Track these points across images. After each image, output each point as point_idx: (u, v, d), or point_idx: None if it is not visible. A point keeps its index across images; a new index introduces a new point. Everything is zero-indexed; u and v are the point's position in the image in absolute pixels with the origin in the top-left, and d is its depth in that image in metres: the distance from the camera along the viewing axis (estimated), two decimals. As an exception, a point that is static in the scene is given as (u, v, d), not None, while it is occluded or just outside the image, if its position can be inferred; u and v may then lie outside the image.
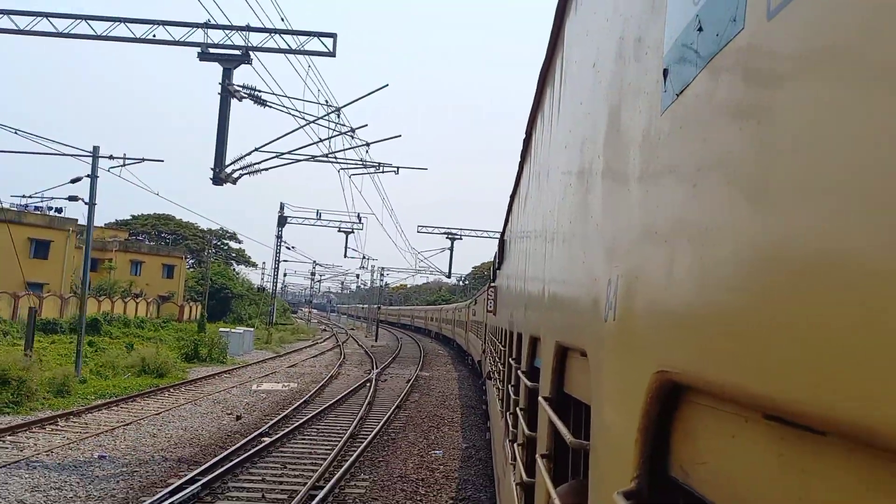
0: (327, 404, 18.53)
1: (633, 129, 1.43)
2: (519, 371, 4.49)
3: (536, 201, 4.20)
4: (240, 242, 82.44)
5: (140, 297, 52.70)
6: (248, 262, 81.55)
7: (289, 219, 49.30)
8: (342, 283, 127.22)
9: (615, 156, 1.63)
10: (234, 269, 73.95)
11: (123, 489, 10.43)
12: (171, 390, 20.80)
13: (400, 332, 76.69)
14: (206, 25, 14.58)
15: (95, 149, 22.34)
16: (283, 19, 15.36)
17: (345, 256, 55.15)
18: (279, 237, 53.36)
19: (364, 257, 61.46)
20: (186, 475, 10.86)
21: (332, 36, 14.96)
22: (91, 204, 22.95)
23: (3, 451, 12.37)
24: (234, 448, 12.90)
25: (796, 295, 0.66)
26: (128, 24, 14.64)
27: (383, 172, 24.45)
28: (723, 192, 0.89)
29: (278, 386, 23.48)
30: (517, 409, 4.33)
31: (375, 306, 78.86)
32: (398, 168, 25.32)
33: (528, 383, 3.60)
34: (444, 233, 48.13)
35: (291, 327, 68.14)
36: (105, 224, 64.86)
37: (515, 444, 4.24)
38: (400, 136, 22.09)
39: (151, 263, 59.66)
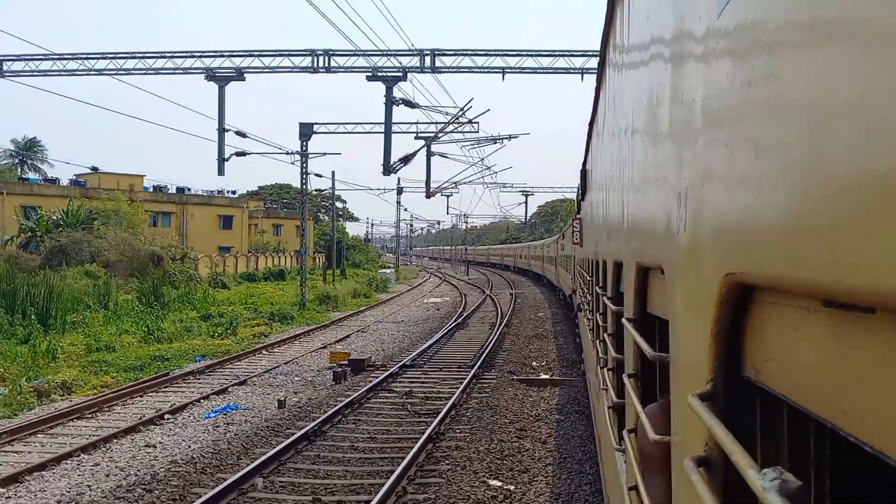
0: (475, 305, 33.42)
1: (696, 36, 1.43)
2: (605, 298, 4.57)
3: (613, 126, 4.17)
4: (344, 202, 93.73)
5: (284, 252, 64.99)
6: (351, 218, 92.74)
7: (404, 189, 58.44)
8: (411, 227, 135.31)
9: (681, 66, 1.63)
10: (342, 224, 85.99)
11: (420, 331, 24.94)
12: (383, 304, 36.68)
13: (486, 271, 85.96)
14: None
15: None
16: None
17: (447, 212, 64.66)
18: (398, 203, 63.50)
19: (463, 214, 71.38)
20: (448, 323, 24.08)
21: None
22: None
23: (364, 320, 27.10)
24: (451, 322, 24.91)
25: (850, 195, 0.72)
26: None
27: (501, 146, 31.86)
28: (781, 102, 0.92)
29: (438, 300, 38.71)
30: (605, 334, 4.48)
31: (462, 247, 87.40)
32: (509, 136, 32.42)
33: (614, 307, 3.80)
34: (520, 191, 55.90)
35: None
36: (238, 194, 76.97)
37: (605, 370, 4.41)
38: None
39: (288, 225, 76.79)
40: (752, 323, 1.14)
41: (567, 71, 20.00)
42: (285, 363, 18.85)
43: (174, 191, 65.06)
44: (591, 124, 7.63)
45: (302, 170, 34.09)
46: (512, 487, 8.46)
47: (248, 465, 9.16)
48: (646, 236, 2.39)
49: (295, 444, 10.17)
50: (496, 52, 20.41)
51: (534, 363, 17.85)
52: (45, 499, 8.44)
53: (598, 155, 6.29)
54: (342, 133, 32.20)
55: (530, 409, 12.72)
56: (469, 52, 20.62)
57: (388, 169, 24.85)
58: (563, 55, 20.03)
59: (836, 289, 0.77)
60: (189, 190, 65.66)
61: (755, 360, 1.13)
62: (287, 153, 32.75)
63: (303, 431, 10.70)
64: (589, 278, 8.30)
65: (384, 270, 56.74)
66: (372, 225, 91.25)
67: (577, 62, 19.80)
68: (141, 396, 14.85)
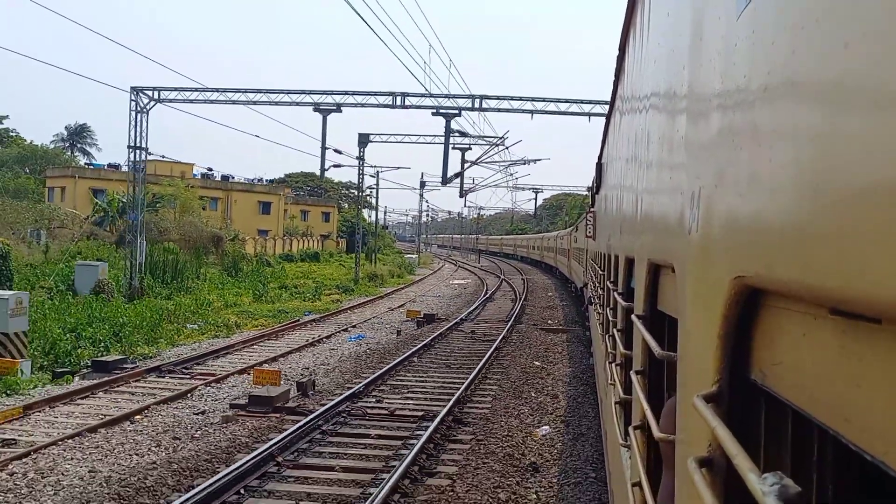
0: (496, 286, 40.71)
1: (714, 37, 1.44)
2: (616, 293, 4.62)
3: (629, 119, 4.18)
4: (363, 192, 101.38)
5: (311, 236, 73.10)
6: (370, 206, 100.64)
7: (426, 184, 65.93)
8: (430, 217, 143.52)
9: (698, 66, 1.63)
10: (361, 212, 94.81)
11: (459, 302, 33.53)
12: (416, 284, 45.63)
13: (497, 260, 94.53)
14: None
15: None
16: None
17: (464, 205, 73.59)
18: (421, 196, 71.17)
19: (479, 207, 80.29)
20: (479, 298, 29.50)
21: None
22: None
23: (408, 294, 34.24)
24: (481, 297, 30.86)
25: (862, 201, 0.71)
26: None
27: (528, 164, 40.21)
28: (797, 102, 0.92)
29: (462, 282, 47.11)
30: (614, 330, 4.51)
31: (473, 236, 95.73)
32: (535, 160, 40.94)
33: (624, 303, 3.84)
34: (531, 188, 63.90)
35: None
36: (266, 181, 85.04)
37: (614, 365, 4.45)
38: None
39: (314, 212, 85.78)
40: (760, 326, 1.14)
41: (577, 114, 28.30)
42: (374, 317, 27.34)
43: (219, 178, 72.75)
44: (608, 118, 7.66)
45: (359, 172, 42.53)
46: (544, 364, 17.03)
47: (407, 351, 17.72)
48: (658, 234, 2.39)
49: (424, 346, 18.73)
50: (527, 98, 28.56)
51: (549, 321, 26.39)
52: (317, 355, 16.94)
53: (613, 149, 6.29)
54: (392, 143, 40.58)
55: (550, 340, 21.29)
56: (507, 98, 28.83)
57: (445, 180, 33.29)
58: (576, 102, 28.27)
59: (843, 296, 0.77)
60: (233, 178, 73.31)
61: (762, 364, 1.13)
62: (371, 167, 41.36)
63: (425, 342, 19.27)
64: (601, 272, 8.30)
65: (410, 256, 65.39)
66: (386, 212, 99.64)
67: (586, 108, 28.04)
68: (292, 332, 23.26)
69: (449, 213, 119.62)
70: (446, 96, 29.36)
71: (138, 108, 29.57)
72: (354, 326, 24.41)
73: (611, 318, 5.22)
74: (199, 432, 11.01)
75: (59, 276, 26.82)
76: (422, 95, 29.42)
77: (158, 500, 8.00)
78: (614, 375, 4.39)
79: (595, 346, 11.51)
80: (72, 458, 9.65)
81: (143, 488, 8.33)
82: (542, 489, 8.68)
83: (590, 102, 28.31)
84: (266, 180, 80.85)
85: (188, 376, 15.49)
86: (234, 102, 29.88)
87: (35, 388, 13.88)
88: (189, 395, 13.64)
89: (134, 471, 9.10)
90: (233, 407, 12.26)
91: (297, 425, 10.67)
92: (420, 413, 12.02)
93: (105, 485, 8.57)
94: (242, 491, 8.30)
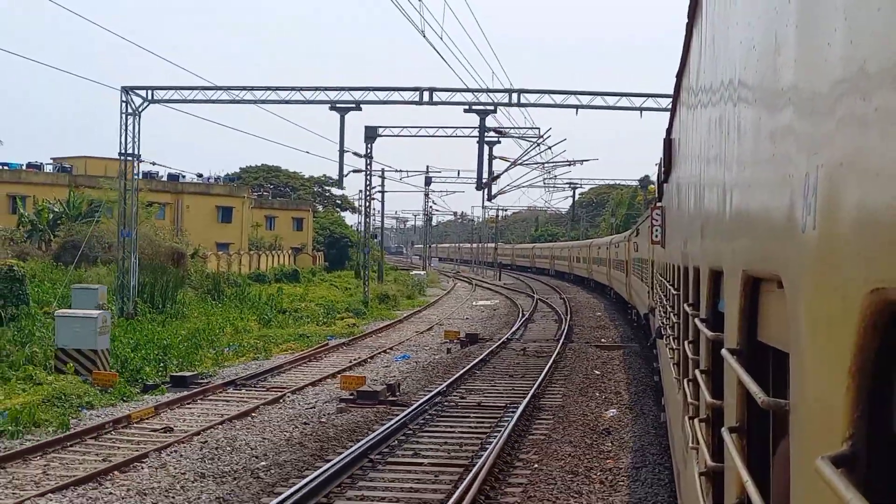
0: (531, 307, 46.78)
1: None
2: (697, 320, 4.66)
3: (712, 78, 4.21)
4: (343, 189, 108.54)
5: (280, 250, 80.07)
6: (353, 209, 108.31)
7: (432, 179, 73.76)
8: (428, 219, 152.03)
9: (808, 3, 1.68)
10: (340, 216, 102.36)
11: (495, 323, 40.28)
12: (433, 306, 54.19)
13: (523, 276, 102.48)
14: (468, 90, 37.86)
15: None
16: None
17: (483, 207, 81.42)
18: (427, 195, 79.08)
19: (498, 207, 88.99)
20: (517, 319, 36.92)
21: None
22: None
23: (430, 317, 42.37)
24: (519, 318, 38.93)
25: None
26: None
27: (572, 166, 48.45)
28: None
29: (488, 302, 53.35)
30: (696, 371, 4.59)
31: (490, 245, 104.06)
32: (582, 160, 49.03)
33: (709, 333, 3.87)
34: (568, 182, 71.56)
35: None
36: (213, 178, 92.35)
37: (696, 421, 4.52)
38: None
39: (283, 218, 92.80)
40: None
41: (628, 108, 36.04)
42: (406, 340, 35.22)
43: (166, 177, 79.05)
44: (678, 76, 7.78)
45: (366, 172, 50.50)
46: (604, 373, 24.93)
47: (467, 364, 25.58)
48: (757, 234, 2.43)
49: (481, 361, 26.61)
50: (571, 92, 36.30)
51: (602, 340, 34.32)
52: (374, 371, 24.75)
53: (689, 119, 6.41)
54: (406, 137, 48.58)
55: (606, 356, 29.18)
56: (549, 91, 36.55)
57: (480, 185, 41.23)
58: (626, 96, 36.04)
59: None
60: (183, 177, 79.74)
61: None
62: (396, 171, 49.60)
63: (480, 357, 27.16)
64: (674, 291, 8.56)
65: (418, 272, 73.19)
66: (369, 214, 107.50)
67: (637, 101, 35.77)
68: (328, 354, 31.05)
69: (457, 214, 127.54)
70: (480, 90, 37.28)
71: (129, 110, 37.40)
72: (392, 349, 32.19)
73: (690, 356, 5.30)
74: (323, 418, 18.76)
75: (61, 300, 34.53)
76: (452, 90, 37.33)
77: (337, 447, 15.76)
78: (698, 435, 4.38)
79: (667, 396, 11.74)
80: (241, 432, 17.40)
81: (326, 438, 16.14)
82: (615, 443, 16.48)
83: (641, 96, 36.29)
84: (223, 178, 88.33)
85: (263, 389, 23.23)
86: (238, 102, 37.80)
87: (140, 397, 21.60)
88: (281, 400, 21.35)
89: (298, 436, 16.88)
90: (342, 401, 20.00)
91: (411, 408, 18.45)
92: (503, 404, 19.81)
93: (288, 443, 16.35)
94: (395, 443, 16.09)
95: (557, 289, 71.10)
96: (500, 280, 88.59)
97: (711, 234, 4.22)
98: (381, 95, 38.01)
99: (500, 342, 32.33)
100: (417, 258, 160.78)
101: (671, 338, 9.39)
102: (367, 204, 54.29)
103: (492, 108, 38.18)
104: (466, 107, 37.90)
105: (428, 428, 17.60)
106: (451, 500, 11.81)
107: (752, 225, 2.61)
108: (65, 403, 19.38)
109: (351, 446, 15.30)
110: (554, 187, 75.88)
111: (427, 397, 20.03)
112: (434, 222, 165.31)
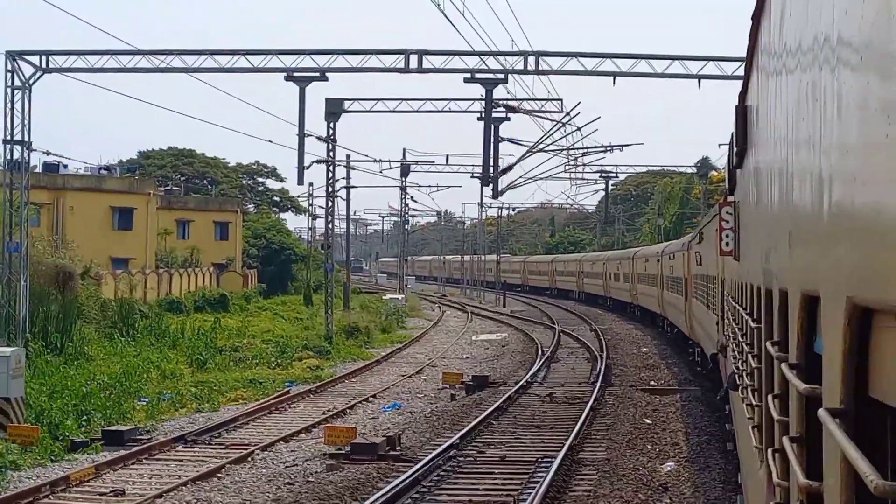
0: (552, 342, 50.55)
1: None
2: (784, 365, 4.83)
3: (802, 30, 4.51)
4: (282, 180, 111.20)
5: (198, 268, 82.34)
6: (296, 208, 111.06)
7: (411, 166, 76.76)
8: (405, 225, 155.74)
9: None
10: (280, 219, 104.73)
11: (507, 363, 42.25)
12: (417, 342, 57.92)
13: (533, 299, 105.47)
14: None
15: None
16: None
17: (480, 204, 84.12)
18: (403, 189, 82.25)
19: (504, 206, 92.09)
20: (535, 357, 39.75)
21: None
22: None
23: (416, 356, 46.13)
24: (539, 356, 41.93)
25: None
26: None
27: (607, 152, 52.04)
28: None
29: (492, 336, 57.49)
30: (785, 439, 4.71)
31: (492, 259, 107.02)
32: (622, 146, 52.47)
33: (802, 386, 4.07)
34: (599, 171, 74.04)
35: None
36: (106, 164, 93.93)
37: None
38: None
39: (201, 222, 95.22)
40: None
41: (682, 76, 39.11)
42: (392, 385, 38.21)
43: (40, 168, 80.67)
44: (755, 20, 8.21)
45: (327, 159, 53.46)
46: (656, 422, 27.98)
47: (479, 414, 28.59)
48: (867, 242, 2.55)
49: (496, 409, 29.63)
50: (605, 55, 39.28)
51: (651, 382, 37.45)
52: (359, 423, 27.69)
53: (771, 83, 6.81)
54: (377, 111, 51.67)
55: (658, 401, 32.25)
56: (576, 54, 39.49)
57: (487, 179, 44.33)
58: (679, 59, 39.09)
59: None
60: (65, 168, 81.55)
61: None
62: (375, 161, 52.66)
63: (495, 405, 30.19)
64: (753, 324, 9.05)
65: (394, 297, 76.22)
66: (332, 221, 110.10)
67: (694, 68, 38.88)
68: (293, 404, 33.96)
69: (442, 214, 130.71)
70: (487, 53, 40.33)
71: (17, 83, 40.24)
72: (375, 397, 35.13)
73: (776, 416, 5.52)
74: (311, 477, 21.66)
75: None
76: (449, 53, 40.41)
77: (341, 506, 18.69)
78: None
79: (745, 473, 12.25)
80: (213, 494, 20.29)
81: (326, 496, 19.08)
82: (674, 499, 19.48)
83: (700, 59, 39.46)
84: (118, 168, 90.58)
85: (221, 446, 26.11)
86: (165, 70, 40.77)
87: (71, 456, 24.43)
88: (249, 458, 24.23)
89: (290, 497, 19.79)
90: (331, 457, 22.90)
91: (421, 463, 21.39)
92: (532, 458, 22.79)
93: (277, 504, 19.26)
94: (409, 502, 19.05)
95: (585, 316, 74.29)
96: (504, 306, 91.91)
97: (805, 241, 4.38)
98: (355, 61, 40.95)
99: (517, 387, 35.30)
100: (385, 276, 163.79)
101: (749, 389, 9.56)
102: (331, 202, 56.96)
103: (502, 77, 41.23)
104: (468, 75, 40.90)
105: (445, 485, 20.55)
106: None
107: (858, 228, 2.70)
108: (-12, 463, 22.18)
109: (360, 505, 18.30)
110: (582, 179, 78.59)
111: (438, 451, 22.92)
112: (408, 225, 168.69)
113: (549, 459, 22.28)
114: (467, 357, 49.30)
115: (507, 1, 40.99)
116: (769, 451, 5.98)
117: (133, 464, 23.75)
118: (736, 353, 13.12)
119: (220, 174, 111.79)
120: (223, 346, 49.34)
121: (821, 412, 2.99)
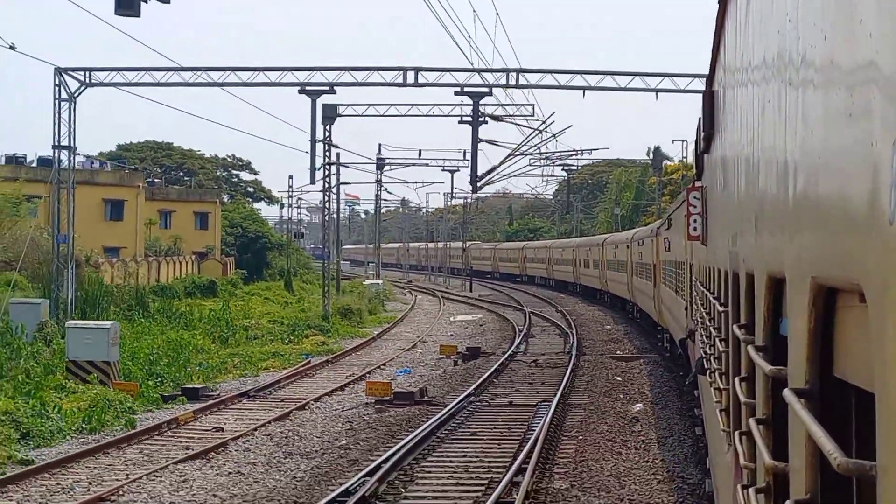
0: (525, 322, 58.77)
1: None
2: (751, 347, 4.97)
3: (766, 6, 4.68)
4: (256, 173, 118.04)
5: (181, 256, 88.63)
6: (269, 198, 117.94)
7: (387, 159, 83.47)
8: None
9: None
10: (254, 209, 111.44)
11: (492, 338, 49.08)
12: (402, 323, 64.94)
13: (498, 285, 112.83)
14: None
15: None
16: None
17: (451, 196, 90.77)
18: (379, 182, 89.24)
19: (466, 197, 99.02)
20: (514, 333, 47.22)
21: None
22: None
23: (405, 335, 53.77)
24: (518, 332, 49.44)
25: None
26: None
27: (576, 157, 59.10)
28: None
29: (469, 317, 65.48)
30: (751, 420, 4.88)
31: (459, 245, 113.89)
32: (591, 149, 59.67)
33: (768, 367, 4.17)
34: (561, 165, 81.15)
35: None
36: (86, 156, 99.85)
37: (752, 491, 4.89)
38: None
39: (182, 212, 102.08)
40: None
41: (643, 90, 46.45)
42: (395, 357, 45.21)
43: (36, 162, 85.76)
44: (722, 3, 8.35)
45: (325, 159, 60.32)
46: (625, 381, 35.25)
47: (482, 374, 35.72)
48: (827, 226, 2.61)
49: (494, 371, 36.79)
50: (577, 71, 46.48)
51: (617, 352, 44.73)
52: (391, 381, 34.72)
53: (739, 63, 6.93)
54: (371, 116, 58.54)
55: (626, 366, 39.51)
56: (552, 71, 46.58)
57: (475, 182, 51.39)
58: (639, 75, 46.35)
59: None
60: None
61: None
62: (370, 161, 59.33)
63: (493, 368, 37.35)
64: (720, 308, 9.29)
65: (373, 282, 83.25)
66: (329, 212, 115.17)
67: (652, 82, 46.13)
68: (318, 371, 40.81)
69: (403, 202, 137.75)
70: (474, 70, 47.33)
71: (64, 95, 46.67)
72: (383, 366, 42.05)
73: (743, 399, 5.66)
74: (366, 417, 28.58)
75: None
76: (441, 70, 47.35)
77: (402, 431, 25.69)
78: None
79: (713, 456, 12.49)
80: (296, 428, 27.18)
81: (389, 424, 26.11)
82: (643, 426, 26.65)
83: (657, 75, 46.75)
84: (99, 161, 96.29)
85: (278, 399, 32.96)
86: (194, 84, 47.45)
87: (167, 405, 31.22)
88: (307, 407, 31.05)
89: (360, 424, 26.76)
90: (378, 403, 29.86)
91: (451, 405, 28.43)
92: (534, 402, 29.89)
93: (353, 430, 26.26)
94: (452, 427, 26.12)
95: (550, 300, 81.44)
96: (471, 290, 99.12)
97: (769, 226, 4.52)
98: (359, 77, 47.84)
99: (504, 357, 42.36)
100: (348, 264, 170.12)
101: (717, 373, 9.63)
102: (328, 197, 63.85)
103: (486, 90, 48.27)
104: (458, 89, 47.89)
105: (472, 420, 27.57)
106: (526, 445, 21.83)
107: (819, 212, 2.78)
108: (115, 408, 28.84)
109: (416, 429, 25.17)
110: (552, 176, 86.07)
111: (460, 398, 29.94)
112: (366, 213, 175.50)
113: (547, 403, 29.34)
114: (451, 335, 56.39)
115: (498, 18, 47.99)
116: (736, 433, 6.13)
117: (217, 411, 30.51)
118: (704, 337, 13.37)
119: (197, 165, 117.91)
120: (236, 325, 56.07)
121: (786, 392, 3.10)
